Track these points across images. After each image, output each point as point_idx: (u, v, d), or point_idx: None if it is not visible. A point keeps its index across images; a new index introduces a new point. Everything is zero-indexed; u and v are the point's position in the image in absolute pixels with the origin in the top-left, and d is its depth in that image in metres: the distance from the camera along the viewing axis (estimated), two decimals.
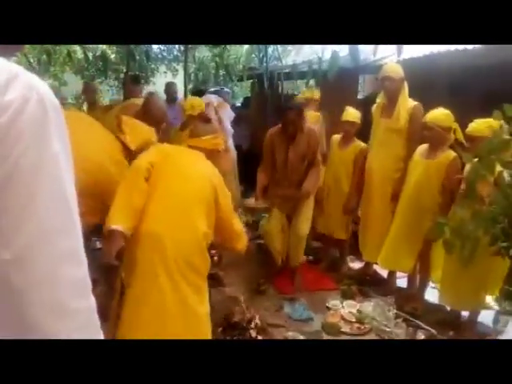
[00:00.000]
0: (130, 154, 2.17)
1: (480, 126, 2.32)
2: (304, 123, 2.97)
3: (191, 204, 1.80)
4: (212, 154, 2.03)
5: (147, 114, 2.66)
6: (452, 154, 2.61)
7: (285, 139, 2.99)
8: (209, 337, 1.90)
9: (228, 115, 4.29)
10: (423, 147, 2.78)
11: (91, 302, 0.66)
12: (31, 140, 0.60)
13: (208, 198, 1.83)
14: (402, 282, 3.19)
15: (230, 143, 4.19)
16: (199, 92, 4.35)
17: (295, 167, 3.01)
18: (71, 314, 0.62)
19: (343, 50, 4.11)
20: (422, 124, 2.72)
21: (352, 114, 3.27)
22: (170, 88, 5.19)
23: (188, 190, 1.82)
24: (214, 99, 4.13)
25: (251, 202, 3.16)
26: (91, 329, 0.67)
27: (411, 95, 2.98)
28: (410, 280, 3.08)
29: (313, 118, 3.53)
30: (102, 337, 0.69)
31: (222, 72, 6.65)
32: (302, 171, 3.02)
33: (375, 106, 3.14)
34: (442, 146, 2.66)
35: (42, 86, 0.64)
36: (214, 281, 3.19)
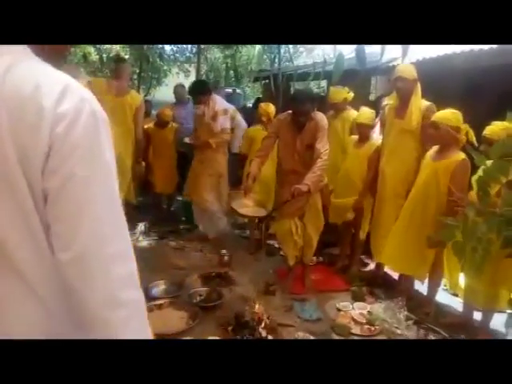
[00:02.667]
0: None
1: (498, 128, 2.30)
2: (314, 112, 2.90)
3: None
4: None
5: None
6: (461, 155, 2.54)
7: (293, 128, 2.92)
8: None
9: (242, 126, 4.26)
10: (434, 149, 2.75)
11: (140, 293, 0.72)
12: (85, 150, 0.64)
13: None
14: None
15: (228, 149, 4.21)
16: (202, 83, 4.24)
17: (302, 158, 2.91)
18: (123, 304, 0.68)
19: (354, 51, 4.11)
20: (430, 123, 2.69)
21: (364, 116, 3.26)
22: (179, 91, 5.22)
23: None
24: (231, 107, 4.14)
25: (240, 202, 2.84)
26: (140, 317, 0.72)
27: (424, 96, 2.97)
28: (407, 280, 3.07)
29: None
30: (148, 324, 0.74)
31: (232, 73, 6.69)
32: (310, 163, 2.82)
33: (388, 107, 3.13)
34: (452, 147, 2.59)
35: (91, 98, 0.68)
36: (224, 280, 3.22)
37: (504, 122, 2.23)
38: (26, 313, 0.68)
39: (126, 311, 0.68)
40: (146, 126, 4.42)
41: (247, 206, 2.85)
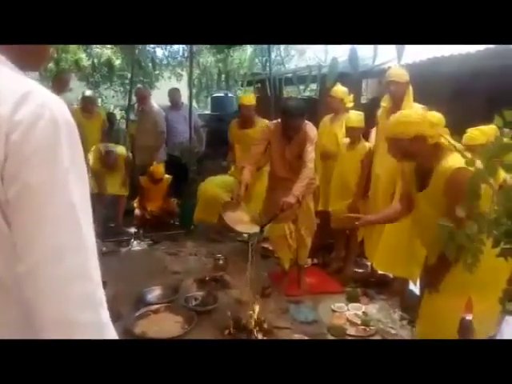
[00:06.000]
0: None
1: (474, 134, 2.37)
2: (305, 123, 2.90)
3: None
4: None
5: None
6: None
7: (283, 138, 2.93)
8: None
9: None
10: None
11: (101, 315, 0.66)
12: (42, 158, 0.61)
13: None
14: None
15: None
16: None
17: (293, 167, 2.92)
18: (76, 326, 0.63)
19: (346, 54, 4.15)
20: None
21: (354, 119, 3.30)
22: (174, 94, 5.24)
23: None
24: None
25: (235, 216, 2.72)
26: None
27: (414, 99, 3.01)
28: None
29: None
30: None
31: (224, 77, 6.71)
32: (300, 171, 2.80)
33: (380, 110, 3.16)
34: None
35: (55, 103, 0.64)
36: (220, 284, 3.23)
37: (479, 127, 2.32)
38: (5, 321, 0.67)
39: (79, 334, 0.63)
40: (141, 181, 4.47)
41: (242, 222, 2.76)
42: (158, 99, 5.64)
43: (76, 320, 0.63)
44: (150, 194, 4.54)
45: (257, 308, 2.55)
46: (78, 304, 0.63)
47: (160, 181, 4.49)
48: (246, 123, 4.02)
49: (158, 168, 4.47)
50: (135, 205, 4.65)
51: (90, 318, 0.65)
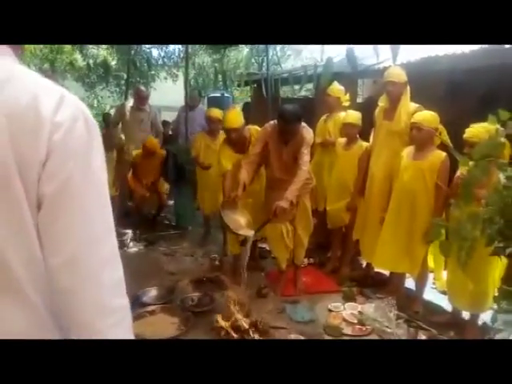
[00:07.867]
0: None
1: (477, 130, 2.36)
2: (301, 126, 2.88)
3: None
4: None
5: None
6: (442, 153, 2.67)
7: (279, 141, 2.93)
8: None
9: None
10: (409, 149, 2.84)
11: (127, 300, 0.73)
12: (80, 157, 0.66)
13: None
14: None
15: None
16: None
17: (290, 168, 2.91)
18: (111, 311, 0.69)
19: (342, 54, 4.16)
20: (410, 124, 2.77)
21: (352, 116, 3.31)
22: (194, 96, 5.24)
23: None
24: None
25: (234, 218, 2.75)
26: (126, 324, 0.73)
27: (410, 98, 3.02)
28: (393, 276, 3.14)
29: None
30: (131, 332, 0.75)
31: (221, 77, 6.72)
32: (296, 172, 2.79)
33: (378, 109, 3.17)
34: (429, 147, 2.73)
35: (84, 107, 0.70)
36: (216, 284, 3.22)
37: (483, 124, 2.30)
38: (17, 319, 0.68)
39: (113, 318, 0.69)
40: (134, 154, 4.40)
41: (239, 224, 2.78)
42: (155, 100, 5.64)
43: (112, 306, 0.68)
44: (143, 170, 4.47)
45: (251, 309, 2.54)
46: (114, 290, 0.69)
47: (153, 154, 4.42)
48: (238, 145, 3.20)
49: (152, 140, 4.44)
50: (129, 179, 4.56)
51: (121, 302, 0.71)
